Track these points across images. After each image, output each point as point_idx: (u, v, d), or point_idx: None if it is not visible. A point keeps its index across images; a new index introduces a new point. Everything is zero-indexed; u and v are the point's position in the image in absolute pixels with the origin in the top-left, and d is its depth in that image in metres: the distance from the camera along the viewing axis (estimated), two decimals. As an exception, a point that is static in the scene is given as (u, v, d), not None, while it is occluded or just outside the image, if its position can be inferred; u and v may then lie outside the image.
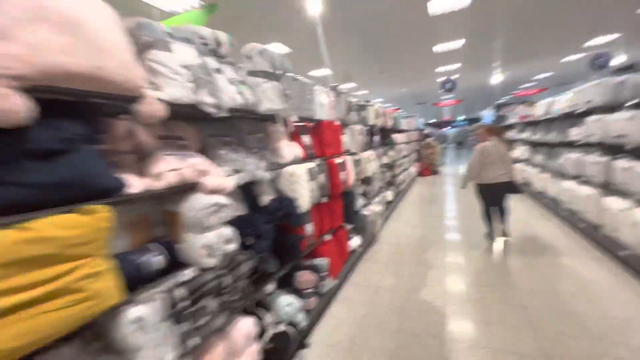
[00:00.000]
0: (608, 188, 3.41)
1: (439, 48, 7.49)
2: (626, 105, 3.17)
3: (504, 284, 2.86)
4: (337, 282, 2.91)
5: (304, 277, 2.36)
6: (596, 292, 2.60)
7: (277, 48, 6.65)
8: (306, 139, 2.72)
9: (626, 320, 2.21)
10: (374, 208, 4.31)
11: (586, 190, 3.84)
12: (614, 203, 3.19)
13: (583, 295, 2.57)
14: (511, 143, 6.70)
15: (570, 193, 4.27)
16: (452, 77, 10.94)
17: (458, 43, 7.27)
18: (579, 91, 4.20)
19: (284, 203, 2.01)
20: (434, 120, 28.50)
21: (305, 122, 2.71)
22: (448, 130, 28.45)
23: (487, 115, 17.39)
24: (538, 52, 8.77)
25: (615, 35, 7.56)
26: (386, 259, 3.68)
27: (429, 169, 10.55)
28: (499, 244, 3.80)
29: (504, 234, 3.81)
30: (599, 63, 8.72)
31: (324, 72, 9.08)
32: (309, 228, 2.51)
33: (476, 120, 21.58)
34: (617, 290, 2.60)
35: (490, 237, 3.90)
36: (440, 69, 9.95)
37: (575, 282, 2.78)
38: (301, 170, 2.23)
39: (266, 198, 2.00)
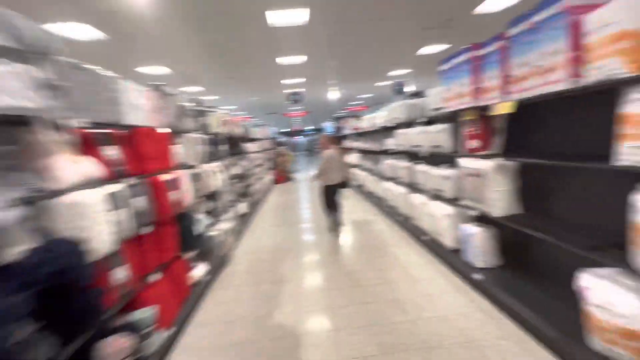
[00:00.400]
0: (412, 187, 4.32)
1: (282, 61, 7.77)
2: (417, 122, 4.10)
3: (349, 284, 3.05)
4: (173, 331, 2.30)
5: (113, 346, 1.68)
6: (414, 274, 3.15)
7: (83, 30, 5.00)
8: (111, 151, 2.00)
9: (434, 295, 2.72)
10: (223, 226, 3.86)
11: (400, 189, 4.77)
12: (417, 198, 4.05)
13: (406, 280, 3.05)
14: (346, 150, 7.78)
15: (389, 192, 5.23)
16: (298, 90, 11.79)
17: (301, 59, 7.77)
18: (390, 109, 5.21)
19: (58, 251, 1.31)
20: (286, 129, 30.31)
21: (108, 128, 1.99)
22: (299, 139, 31.03)
23: (329, 126, 19.90)
24: (360, 76, 10.67)
25: (408, 70, 10.13)
26: (239, 282, 3.31)
27: (283, 176, 10.91)
28: (339, 235, 4.53)
29: (339, 224, 4.59)
30: (397, 89, 11.56)
31: (160, 70, 7.78)
32: (120, 273, 1.83)
33: (322, 130, 24.47)
34: (426, 270, 3.24)
35: (331, 228, 4.58)
36: (287, 81, 10.47)
37: (399, 269, 3.30)
38: (94, 198, 1.55)
39: (18, 250, 1.24)
